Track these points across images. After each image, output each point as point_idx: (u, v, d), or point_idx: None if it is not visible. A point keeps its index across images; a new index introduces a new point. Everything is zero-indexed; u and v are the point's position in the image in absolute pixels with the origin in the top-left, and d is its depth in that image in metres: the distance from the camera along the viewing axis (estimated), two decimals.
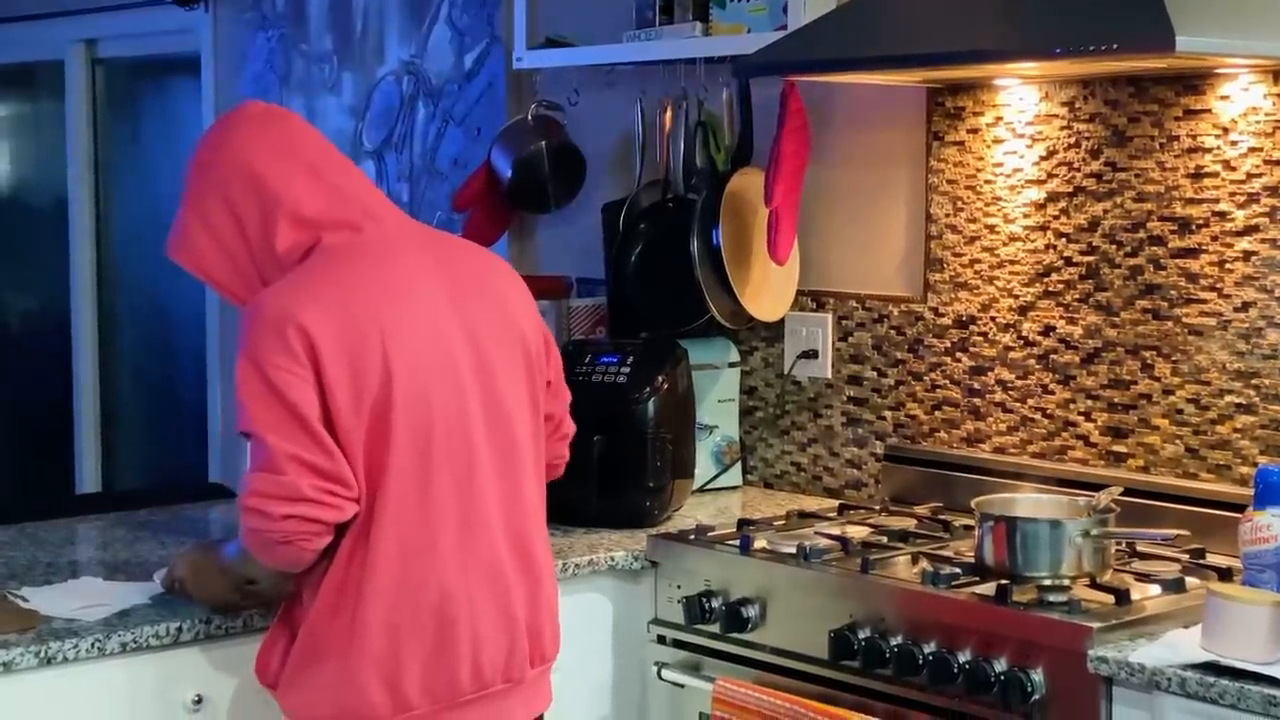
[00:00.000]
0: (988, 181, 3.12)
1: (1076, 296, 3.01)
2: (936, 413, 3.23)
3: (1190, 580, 2.56)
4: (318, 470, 2.16)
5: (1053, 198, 3.04)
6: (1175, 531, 2.67)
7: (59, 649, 2.28)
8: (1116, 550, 2.63)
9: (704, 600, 2.81)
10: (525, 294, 2.44)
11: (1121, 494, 2.68)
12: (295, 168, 2.31)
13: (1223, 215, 2.81)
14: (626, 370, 3.14)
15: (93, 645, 2.30)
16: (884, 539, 2.85)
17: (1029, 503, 2.72)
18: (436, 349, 2.26)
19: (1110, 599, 2.45)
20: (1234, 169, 2.79)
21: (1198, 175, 2.84)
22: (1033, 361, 3.08)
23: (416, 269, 2.31)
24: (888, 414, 3.31)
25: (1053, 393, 3.06)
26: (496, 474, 2.31)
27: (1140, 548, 2.73)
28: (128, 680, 2.36)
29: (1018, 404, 3.11)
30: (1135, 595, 2.48)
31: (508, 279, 2.43)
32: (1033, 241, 3.07)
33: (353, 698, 2.22)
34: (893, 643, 2.54)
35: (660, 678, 2.86)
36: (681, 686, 2.83)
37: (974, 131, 3.14)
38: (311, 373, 2.16)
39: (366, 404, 2.19)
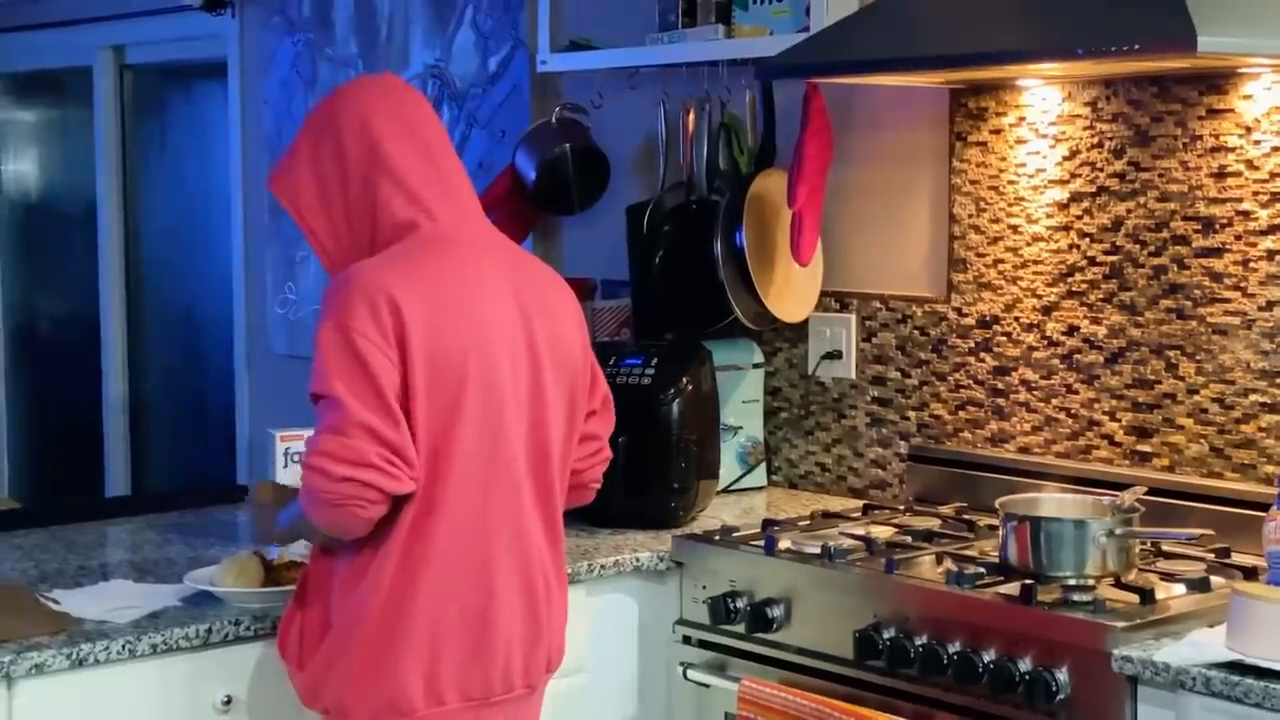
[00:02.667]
0: (1011, 182, 3.13)
1: (1100, 296, 3.01)
2: (960, 413, 3.23)
3: (1215, 579, 2.56)
4: (385, 440, 2.19)
5: (1076, 198, 3.04)
6: (1200, 531, 2.67)
7: (90, 651, 2.30)
8: (1141, 550, 2.63)
9: (729, 600, 2.82)
10: (579, 315, 2.48)
11: (1146, 493, 2.68)
12: (413, 145, 2.36)
13: (1246, 214, 2.81)
14: (651, 372, 3.15)
15: (123, 647, 2.32)
16: (908, 539, 2.86)
17: (1053, 502, 2.72)
18: (506, 353, 2.31)
19: (1135, 598, 2.46)
20: (1257, 168, 2.79)
21: (1221, 175, 2.84)
22: (1057, 361, 3.08)
23: (500, 277, 2.35)
24: (912, 414, 3.31)
25: (1077, 392, 3.06)
26: (534, 486, 2.37)
27: (1165, 547, 2.73)
28: (158, 681, 2.38)
29: (1042, 404, 3.11)
30: (1160, 595, 2.48)
31: (567, 300, 2.47)
32: (1056, 241, 3.07)
33: (389, 687, 2.25)
34: (917, 643, 2.55)
35: (686, 678, 2.87)
36: (707, 686, 2.84)
37: (997, 132, 3.14)
38: (396, 350, 2.21)
39: (442, 395, 2.24)
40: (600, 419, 2.54)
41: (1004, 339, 3.16)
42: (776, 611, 2.76)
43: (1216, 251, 2.86)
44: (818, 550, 2.77)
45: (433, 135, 2.40)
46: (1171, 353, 2.93)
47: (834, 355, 3.42)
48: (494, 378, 2.29)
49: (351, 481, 2.18)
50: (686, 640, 2.91)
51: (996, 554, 2.64)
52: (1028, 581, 2.50)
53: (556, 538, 2.42)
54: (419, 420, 2.23)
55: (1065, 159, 3.05)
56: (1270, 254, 2.79)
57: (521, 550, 2.34)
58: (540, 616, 2.37)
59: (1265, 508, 2.47)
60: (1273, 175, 2.77)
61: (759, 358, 3.50)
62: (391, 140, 2.35)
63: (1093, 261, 3.02)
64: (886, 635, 2.59)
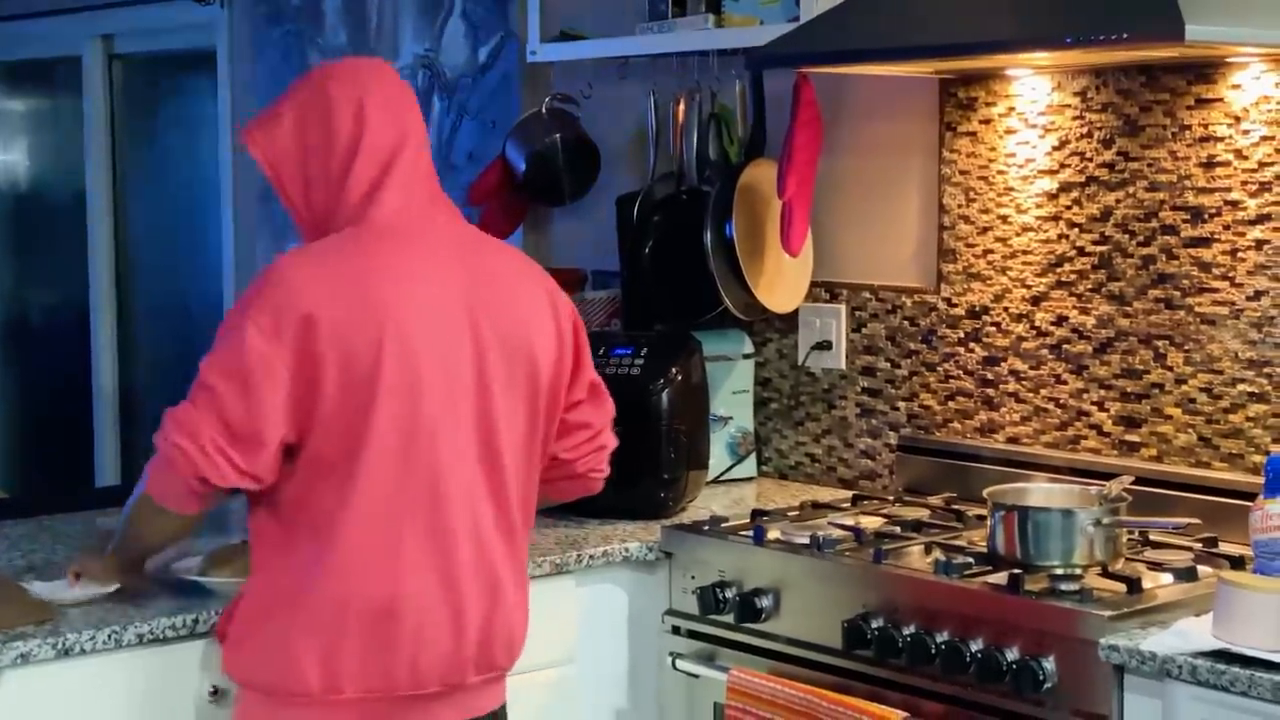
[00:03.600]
0: (1000, 172, 3.13)
1: (1089, 286, 3.02)
2: (950, 403, 3.24)
3: (1202, 569, 2.56)
4: (229, 431, 2.20)
5: (1065, 188, 3.04)
6: (1187, 520, 2.68)
7: (76, 640, 2.30)
8: (1129, 539, 2.64)
9: (718, 591, 2.82)
10: (549, 305, 2.44)
11: (1134, 483, 2.68)
12: (395, 135, 2.36)
13: (1235, 204, 2.81)
14: (641, 362, 3.15)
15: (110, 637, 2.32)
16: (897, 529, 2.86)
17: (1041, 492, 2.73)
18: (435, 348, 2.29)
19: (1122, 588, 2.46)
20: (1246, 158, 2.79)
21: (1210, 164, 2.84)
22: (1045, 351, 3.09)
23: (443, 271, 2.34)
24: (901, 405, 3.31)
25: (1065, 382, 3.06)
26: (472, 484, 2.32)
27: (1153, 536, 2.73)
28: (145, 672, 2.38)
29: (1031, 394, 3.11)
30: (1147, 584, 2.49)
31: (531, 291, 2.44)
32: (1045, 232, 3.07)
33: (290, 667, 2.24)
34: (905, 632, 2.55)
35: (675, 668, 2.87)
36: (696, 677, 2.84)
37: (986, 122, 3.14)
38: (296, 356, 2.21)
39: (354, 391, 2.23)
40: (591, 407, 2.52)
41: (993, 329, 3.16)
42: (765, 601, 2.76)
43: (1205, 241, 2.86)
44: (807, 540, 2.77)
45: (413, 126, 2.40)
46: (1160, 342, 2.93)
47: (824, 346, 3.42)
48: (415, 373, 2.26)
49: (181, 450, 2.21)
50: (676, 630, 2.91)
51: (985, 544, 2.65)
52: (1015, 571, 2.50)
53: (512, 533, 2.38)
54: (324, 416, 2.22)
55: (1055, 149, 3.05)
56: (1258, 244, 2.79)
57: (444, 546, 2.29)
58: (464, 614, 2.31)
59: (1252, 497, 2.47)
60: (1261, 165, 2.78)
61: (749, 348, 3.50)
62: (379, 128, 2.35)
63: (1082, 252, 3.02)
64: (875, 625, 2.59)
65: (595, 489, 2.60)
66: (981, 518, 2.75)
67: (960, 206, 3.19)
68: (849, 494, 3.22)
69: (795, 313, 3.44)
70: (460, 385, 2.31)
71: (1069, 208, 3.03)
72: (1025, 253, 3.10)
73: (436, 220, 2.39)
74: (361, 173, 2.34)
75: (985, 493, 2.68)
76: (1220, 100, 2.82)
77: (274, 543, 2.31)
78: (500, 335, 2.35)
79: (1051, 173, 3.05)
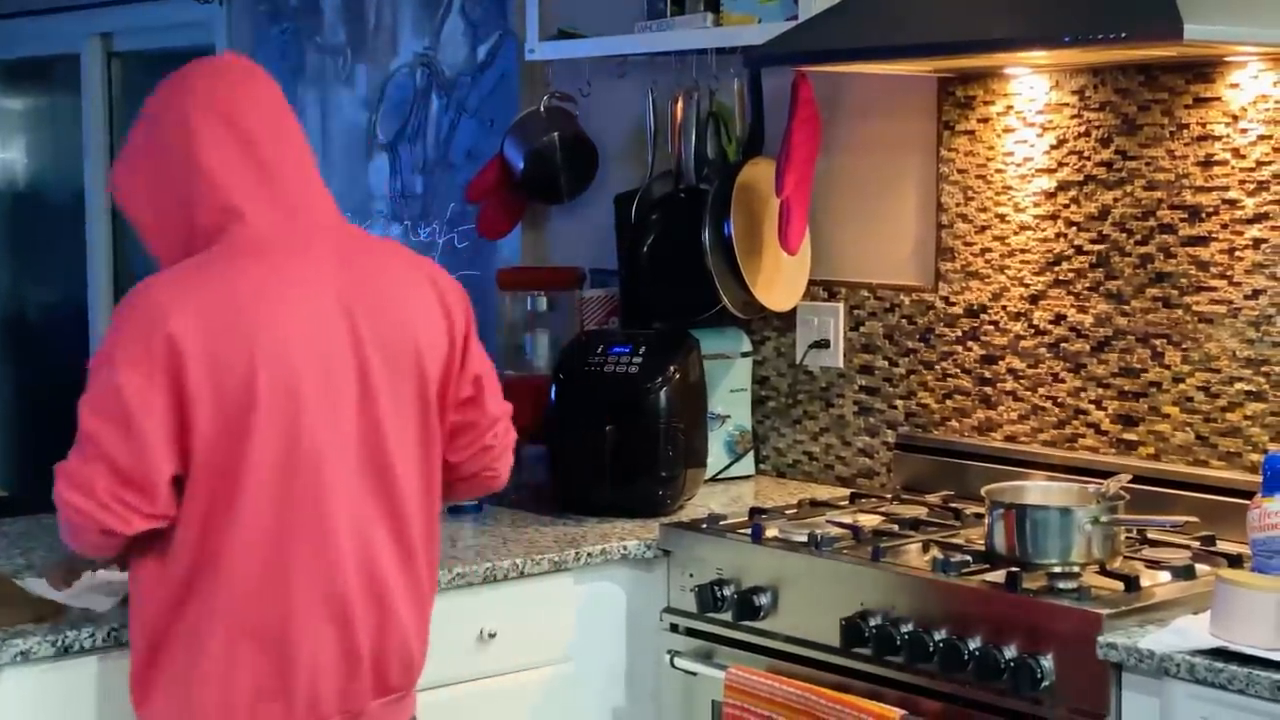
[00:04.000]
0: (998, 170, 3.13)
1: (1087, 285, 3.02)
2: (948, 401, 3.24)
3: (1200, 567, 2.57)
4: (120, 476, 2.11)
5: (1063, 186, 3.04)
6: (1184, 518, 2.68)
7: (75, 638, 2.30)
8: (1126, 537, 2.64)
9: (716, 589, 2.82)
10: (434, 303, 2.31)
11: (1132, 481, 2.69)
12: (231, 138, 2.23)
13: (1232, 203, 2.82)
14: (639, 360, 3.15)
15: (109, 634, 2.32)
16: (895, 527, 2.86)
17: (1039, 490, 2.73)
18: (314, 364, 2.19)
19: (1120, 586, 2.46)
20: (1244, 157, 2.80)
21: (1208, 163, 2.84)
22: (1043, 350, 3.09)
23: (316, 278, 2.22)
24: (899, 403, 3.32)
25: (1063, 381, 3.06)
26: (360, 504, 2.23)
27: (1150, 534, 2.74)
28: None
29: (1029, 392, 3.11)
30: (1145, 582, 2.49)
31: (417, 289, 2.31)
32: (1043, 230, 3.07)
33: (191, 708, 2.17)
34: (903, 630, 2.55)
35: (673, 666, 2.87)
36: (694, 675, 2.84)
37: (984, 120, 3.14)
38: (170, 382, 2.11)
39: (228, 413, 2.13)
40: (476, 404, 2.38)
41: (991, 328, 3.16)
42: (763, 600, 2.76)
43: (1203, 240, 2.86)
44: (805, 538, 2.78)
45: (257, 124, 2.25)
46: (1158, 341, 2.93)
47: (822, 344, 3.42)
48: (294, 388, 2.16)
49: (76, 509, 2.13)
50: (674, 628, 2.91)
51: (983, 542, 2.65)
52: (1013, 569, 2.50)
53: (409, 550, 2.29)
54: (200, 442, 2.13)
55: (1053, 148, 3.05)
56: (1256, 242, 2.79)
57: (331, 571, 2.20)
58: (355, 638, 2.23)
59: (1250, 495, 2.47)
60: (1259, 164, 2.78)
61: (747, 346, 3.51)
62: (207, 135, 2.22)
63: (1079, 250, 3.03)
64: (873, 623, 2.60)
65: (495, 487, 2.49)
66: (979, 516, 2.75)
67: (958, 205, 3.20)
68: (847, 492, 3.23)
69: (793, 311, 3.44)
70: (344, 402, 2.21)
71: (1067, 206, 3.04)
72: (1023, 251, 3.10)
73: (307, 226, 2.26)
74: (199, 191, 2.21)
75: (983, 491, 2.68)
76: (1218, 99, 2.82)
77: (157, 579, 2.19)
78: (383, 341, 2.24)
79: (1049, 171, 3.06)
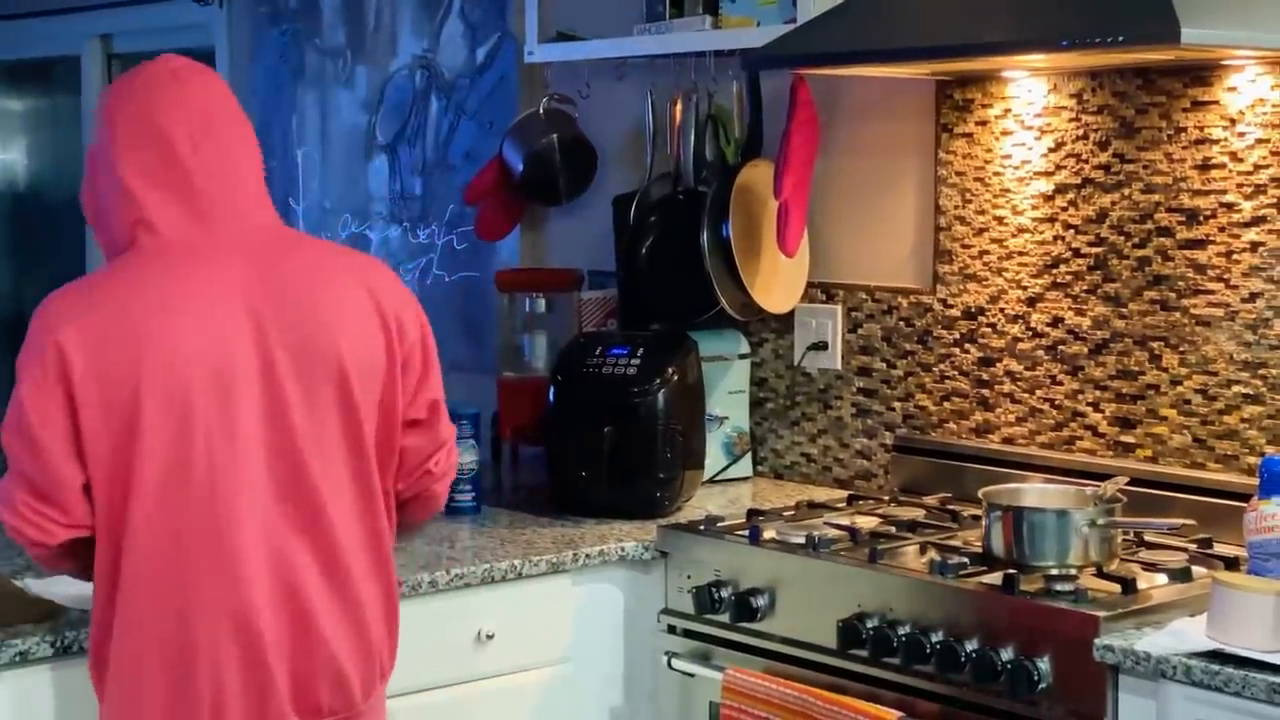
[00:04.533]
0: (996, 173, 3.13)
1: (1085, 288, 3.02)
2: (945, 404, 3.24)
3: (1197, 569, 2.57)
4: (34, 489, 2.13)
5: (1061, 189, 3.04)
6: (1181, 521, 2.68)
7: (74, 638, 2.30)
8: (1124, 540, 2.65)
9: (714, 590, 2.82)
10: (368, 312, 2.24)
11: (1129, 484, 2.70)
12: (149, 144, 2.21)
13: (1230, 206, 2.82)
14: (637, 362, 3.16)
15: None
16: (893, 529, 2.87)
17: (1036, 493, 2.74)
18: (208, 376, 2.14)
19: (1117, 588, 2.47)
20: (1241, 160, 2.80)
21: (1205, 167, 2.85)
22: (1041, 352, 3.09)
23: (220, 283, 2.18)
24: (897, 405, 3.32)
25: (1061, 383, 3.07)
26: (267, 512, 2.17)
27: (1147, 537, 2.74)
28: None
29: (1026, 395, 3.12)
30: (1142, 584, 2.50)
31: (345, 294, 2.23)
32: (1041, 233, 3.08)
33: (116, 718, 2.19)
34: (900, 632, 2.56)
35: (670, 667, 2.87)
36: (692, 676, 2.85)
37: (982, 123, 3.15)
38: (61, 391, 2.11)
39: (116, 427, 2.12)
40: (426, 430, 2.32)
41: (989, 330, 3.17)
42: (761, 601, 2.77)
43: (1200, 243, 2.86)
44: (802, 540, 2.78)
45: (179, 130, 2.20)
46: (1155, 344, 2.94)
47: (820, 346, 3.43)
48: (184, 401, 2.12)
49: (7, 525, 2.18)
50: (671, 630, 2.91)
51: (980, 544, 2.66)
52: (1010, 571, 2.51)
53: (337, 566, 2.21)
54: (92, 453, 2.12)
55: (1050, 151, 3.05)
56: (1253, 246, 2.80)
57: (234, 588, 2.14)
58: (265, 658, 2.16)
59: (1247, 498, 2.48)
60: (1256, 167, 2.78)
61: (745, 348, 3.51)
62: (125, 142, 2.20)
63: (1077, 253, 3.03)
64: (870, 625, 2.60)
65: (435, 509, 2.43)
66: (977, 518, 2.76)
67: (956, 208, 3.20)
68: (844, 494, 3.23)
69: (791, 313, 3.45)
70: (245, 414, 2.16)
71: (1065, 209, 3.04)
72: (1021, 254, 3.11)
73: (221, 234, 2.21)
74: (113, 200, 2.20)
75: (980, 493, 2.69)
76: (1216, 103, 2.83)
77: (96, 591, 2.19)
78: (297, 350, 2.18)
79: (1047, 174, 3.06)
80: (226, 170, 2.24)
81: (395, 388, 2.26)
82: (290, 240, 2.32)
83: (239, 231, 2.23)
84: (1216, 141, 2.83)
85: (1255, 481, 2.47)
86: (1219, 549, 2.68)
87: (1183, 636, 2.27)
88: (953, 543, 2.75)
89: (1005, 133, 3.12)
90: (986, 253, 3.16)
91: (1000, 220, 3.14)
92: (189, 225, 2.21)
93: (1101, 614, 2.35)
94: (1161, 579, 2.55)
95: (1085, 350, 3.03)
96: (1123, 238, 2.97)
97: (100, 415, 2.12)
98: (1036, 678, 2.39)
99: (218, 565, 2.15)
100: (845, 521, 2.92)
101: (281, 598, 2.18)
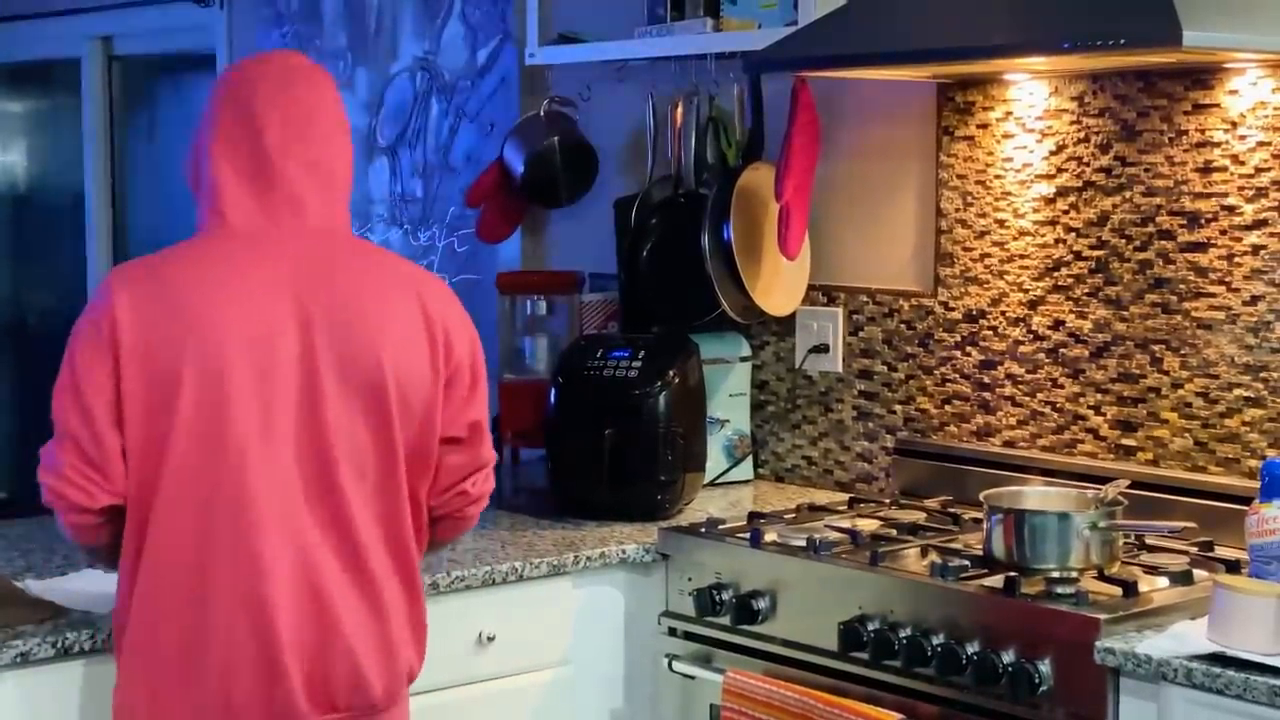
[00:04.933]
0: (997, 176, 3.13)
1: (1086, 291, 3.02)
2: (947, 407, 3.24)
3: (1198, 573, 2.57)
4: (81, 452, 2.18)
5: (1062, 192, 3.05)
6: (1182, 524, 2.68)
7: (75, 639, 2.30)
8: (1125, 543, 2.64)
9: (714, 593, 2.82)
10: (418, 326, 2.27)
11: (1130, 487, 2.70)
12: (242, 135, 2.27)
13: (1231, 209, 2.82)
14: (638, 364, 3.16)
15: (108, 636, 2.32)
16: (893, 532, 2.87)
17: (1037, 495, 2.74)
18: (249, 363, 2.18)
19: (1118, 591, 2.47)
20: (1242, 163, 2.80)
21: (1206, 170, 2.85)
22: (1042, 355, 3.09)
23: (277, 282, 2.22)
24: (898, 408, 3.32)
25: (1062, 386, 3.07)
26: (293, 510, 2.20)
27: (1148, 540, 2.74)
28: None
29: (1027, 398, 3.12)
30: (1143, 587, 2.49)
31: (396, 305, 2.27)
32: (1042, 236, 3.08)
33: (129, 698, 2.21)
34: (901, 635, 2.56)
35: (671, 669, 2.87)
36: (692, 678, 2.85)
37: (984, 126, 3.15)
38: (110, 357, 2.17)
39: (156, 402, 2.16)
40: (467, 451, 2.34)
41: (990, 333, 3.17)
42: (762, 604, 2.76)
43: (1201, 246, 2.86)
44: (803, 543, 2.78)
45: (272, 128, 2.26)
46: (1156, 347, 2.94)
47: (821, 349, 3.43)
48: (221, 387, 2.16)
49: (49, 488, 2.21)
50: (672, 632, 2.91)
51: (981, 547, 2.66)
52: (1011, 574, 2.51)
53: (361, 569, 2.23)
54: (131, 427, 2.17)
55: (1052, 153, 3.05)
56: (1255, 249, 2.80)
57: (254, 578, 2.17)
58: (277, 649, 2.17)
59: (1248, 501, 2.47)
60: (1258, 170, 2.79)
61: (746, 351, 3.51)
62: (222, 132, 2.28)
63: (1078, 256, 3.03)
64: (871, 628, 2.60)
65: (463, 530, 2.43)
66: (978, 521, 2.76)
67: (957, 210, 3.20)
68: (845, 497, 3.23)
69: (792, 316, 3.45)
70: (280, 404, 2.19)
71: (1066, 212, 3.04)
72: (1022, 257, 3.11)
73: (288, 231, 2.26)
74: (204, 186, 2.27)
75: (981, 496, 2.68)
76: (1217, 106, 2.83)
77: (121, 569, 2.23)
78: (340, 351, 2.22)
79: (1048, 177, 3.06)
80: (310, 172, 2.29)
81: (435, 402, 2.29)
82: (353, 247, 2.35)
83: (306, 231, 2.28)
84: (1218, 144, 2.83)
85: (1256, 484, 2.47)
86: (1220, 552, 2.68)
87: (1184, 639, 2.27)
88: (954, 545, 2.75)
89: (1006, 135, 3.12)
90: (988, 256, 3.16)
91: (1001, 223, 3.14)
92: (259, 219, 2.26)
93: (1102, 617, 2.35)
94: (1163, 582, 2.55)
95: (1086, 353, 3.03)
96: (1124, 241, 2.97)
97: (142, 386, 2.17)
98: (1037, 680, 2.39)
99: (239, 553, 2.18)
100: (846, 524, 2.91)
101: (303, 593, 2.20)
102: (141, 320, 2.17)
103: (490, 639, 2.78)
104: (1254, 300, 2.80)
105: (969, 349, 3.20)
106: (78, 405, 2.18)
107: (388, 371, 2.24)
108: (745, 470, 3.50)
